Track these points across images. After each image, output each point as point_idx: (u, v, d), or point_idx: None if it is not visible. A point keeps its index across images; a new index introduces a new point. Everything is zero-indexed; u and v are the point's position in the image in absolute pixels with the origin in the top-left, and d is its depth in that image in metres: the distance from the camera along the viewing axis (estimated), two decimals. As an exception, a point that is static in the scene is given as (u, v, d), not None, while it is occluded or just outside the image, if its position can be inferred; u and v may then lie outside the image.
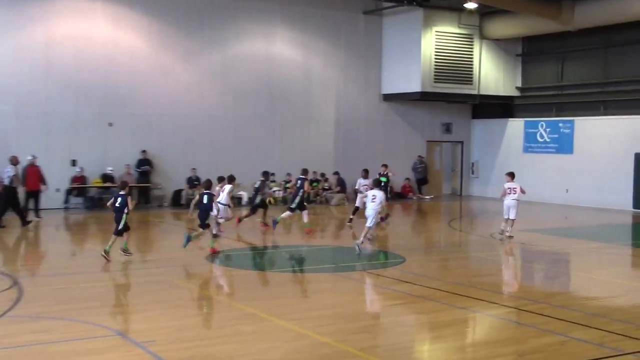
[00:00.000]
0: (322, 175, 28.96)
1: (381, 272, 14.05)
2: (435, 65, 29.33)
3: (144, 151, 26.23)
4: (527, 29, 29.52)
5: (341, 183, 28.79)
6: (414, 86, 29.34)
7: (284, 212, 19.89)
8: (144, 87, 26.29)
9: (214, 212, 16.27)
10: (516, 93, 31.85)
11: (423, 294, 11.95)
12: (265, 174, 20.69)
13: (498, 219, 21.67)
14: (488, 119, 32.76)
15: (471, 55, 30.39)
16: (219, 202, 17.40)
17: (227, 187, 18.15)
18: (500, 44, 31.20)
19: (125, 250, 14.88)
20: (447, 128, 32.92)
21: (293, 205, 19.45)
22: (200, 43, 27.25)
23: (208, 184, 16.14)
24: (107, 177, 25.45)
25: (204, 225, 15.74)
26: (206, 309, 11.23)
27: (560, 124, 29.63)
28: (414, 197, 31.09)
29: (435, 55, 29.34)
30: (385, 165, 22.95)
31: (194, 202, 16.82)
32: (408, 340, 9.64)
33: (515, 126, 31.51)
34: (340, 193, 28.55)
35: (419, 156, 31.87)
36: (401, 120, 31.62)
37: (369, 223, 16.25)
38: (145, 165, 26.16)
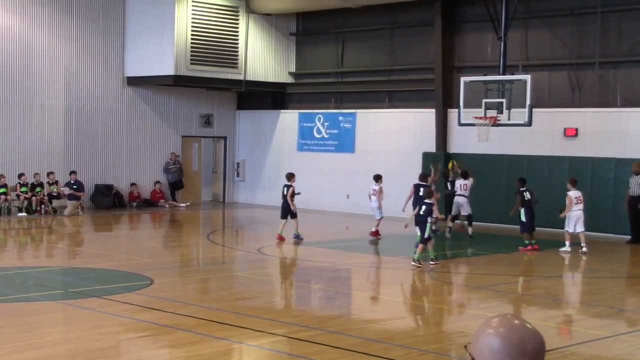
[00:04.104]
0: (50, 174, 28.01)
1: (122, 298, 13.87)
2: (193, 43, 29.38)
3: None
4: (302, 3, 30.46)
5: (78, 186, 27.91)
6: (166, 69, 29.20)
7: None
8: None
9: None
10: (290, 80, 32.74)
11: (174, 323, 11.96)
12: None
13: (268, 230, 22.15)
14: (256, 110, 33.37)
15: (236, 33, 30.81)
16: None
17: None
18: (272, 21, 31.92)
19: None
20: (207, 120, 33.14)
21: None
22: None
23: None
24: None
25: None
26: None
27: (341, 117, 30.86)
28: (167, 205, 30.98)
29: (193, 31, 29.40)
30: None
31: None
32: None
33: (289, 119, 32.38)
34: (75, 200, 27.71)
35: (173, 154, 31.81)
36: (151, 110, 31.38)
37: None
38: None
